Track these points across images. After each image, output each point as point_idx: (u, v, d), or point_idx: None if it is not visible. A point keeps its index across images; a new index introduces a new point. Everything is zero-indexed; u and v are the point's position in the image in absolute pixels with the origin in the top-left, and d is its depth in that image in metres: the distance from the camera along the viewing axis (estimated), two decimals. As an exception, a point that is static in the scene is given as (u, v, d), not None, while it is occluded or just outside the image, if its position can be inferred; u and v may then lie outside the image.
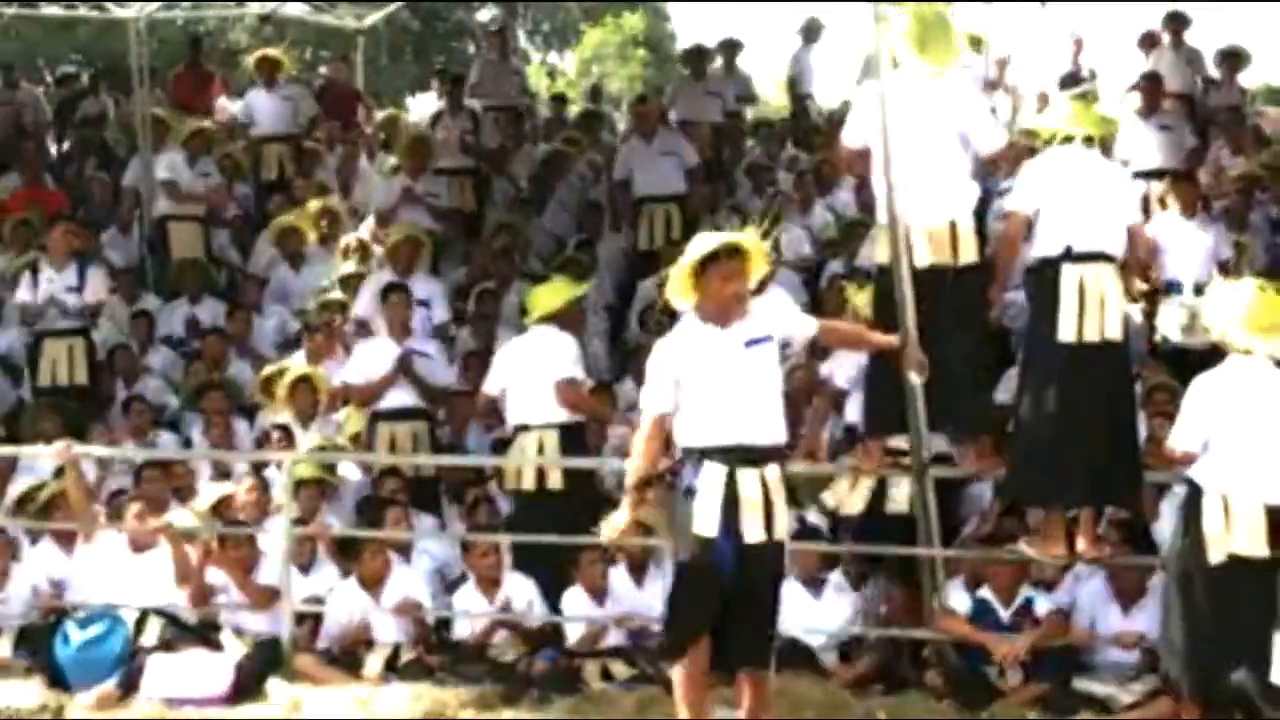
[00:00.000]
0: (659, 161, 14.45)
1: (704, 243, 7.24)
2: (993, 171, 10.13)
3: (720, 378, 7.18)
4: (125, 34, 15.67)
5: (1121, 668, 8.75)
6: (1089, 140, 8.56)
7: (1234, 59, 16.28)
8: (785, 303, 7.88)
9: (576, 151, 15.92)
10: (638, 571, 9.59)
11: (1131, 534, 9.07)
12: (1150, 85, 14.74)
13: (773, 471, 7.23)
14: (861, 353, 8.90)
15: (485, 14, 34.73)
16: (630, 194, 14.50)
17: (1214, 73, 16.33)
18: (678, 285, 7.28)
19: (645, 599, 9.43)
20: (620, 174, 14.65)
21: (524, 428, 9.99)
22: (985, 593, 8.89)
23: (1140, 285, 11.13)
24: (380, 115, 17.59)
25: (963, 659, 8.82)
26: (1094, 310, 8.33)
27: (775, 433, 7.30)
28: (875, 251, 8.90)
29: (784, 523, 7.33)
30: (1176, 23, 16.30)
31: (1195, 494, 7.75)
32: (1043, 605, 8.86)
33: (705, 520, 7.13)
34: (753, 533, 7.14)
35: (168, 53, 20.38)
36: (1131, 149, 14.07)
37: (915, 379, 8.36)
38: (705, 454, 7.16)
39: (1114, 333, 8.34)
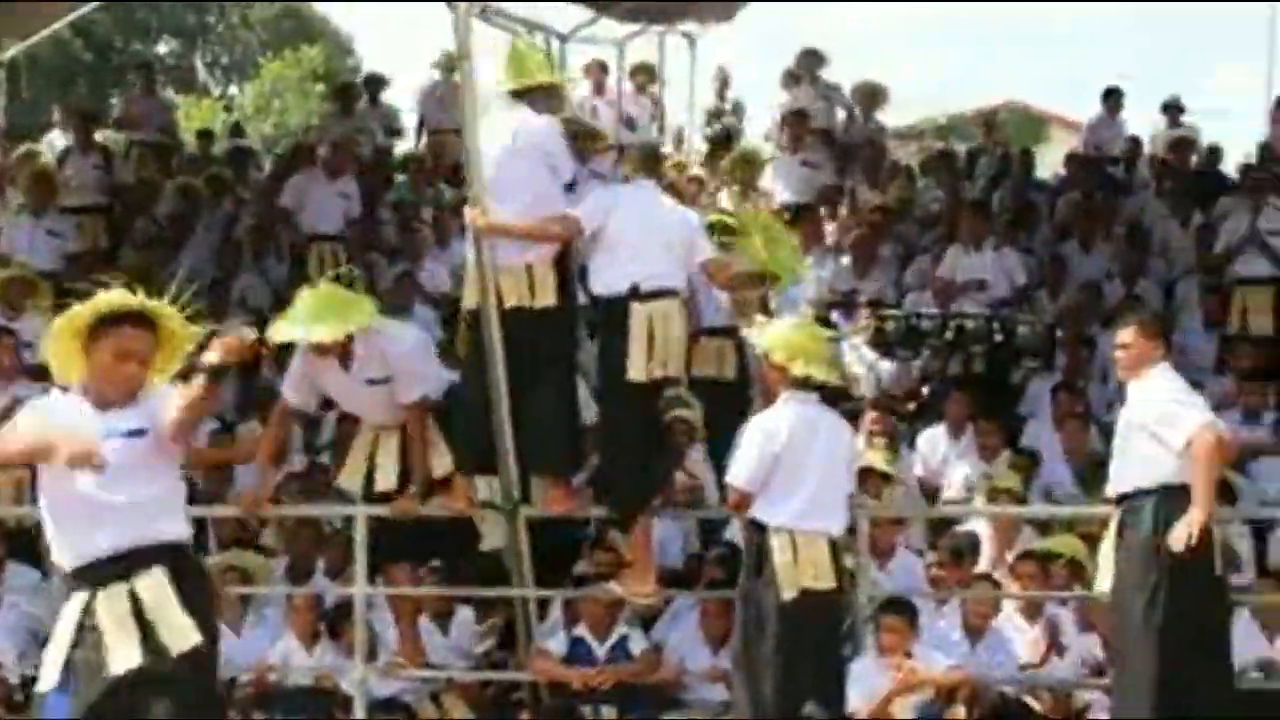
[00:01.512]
0: (333, 202, 14.25)
1: (104, 301, 5.68)
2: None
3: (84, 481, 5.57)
4: None
5: (710, 705, 8.74)
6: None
7: (871, 95, 16.62)
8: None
9: (218, 188, 15.46)
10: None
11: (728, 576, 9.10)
12: (794, 121, 14.94)
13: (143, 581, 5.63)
14: None
15: (164, 45, 34.06)
16: (296, 229, 14.22)
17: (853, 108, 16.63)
18: (57, 351, 5.73)
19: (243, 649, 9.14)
20: (289, 205, 14.37)
21: None
22: (581, 631, 8.79)
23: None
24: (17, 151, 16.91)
25: (559, 699, 8.71)
26: (662, 347, 8.34)
27: (155, 530, 5.69)
28: (465, 294, 8.76)
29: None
30: (813, 60, 16.56)
31: (760, 532, 7.78)
32: (637, 642, 8.80)
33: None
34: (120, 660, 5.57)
35: None
36: (779, 183, 14.29)
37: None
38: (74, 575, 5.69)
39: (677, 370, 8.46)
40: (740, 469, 7.88)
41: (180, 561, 5.73)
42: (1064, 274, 13.61)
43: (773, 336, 8.12)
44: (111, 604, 5.59)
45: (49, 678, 5.61)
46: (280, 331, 8.33)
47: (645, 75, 17.62)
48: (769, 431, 7.86)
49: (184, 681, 5.58)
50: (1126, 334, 7.84)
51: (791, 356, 7.94)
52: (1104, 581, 7.68)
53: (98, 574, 5.62)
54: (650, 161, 8.92)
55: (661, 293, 8.33)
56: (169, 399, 5.72)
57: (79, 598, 5.64)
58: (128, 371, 5.72)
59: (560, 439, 8.56)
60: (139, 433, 5.71)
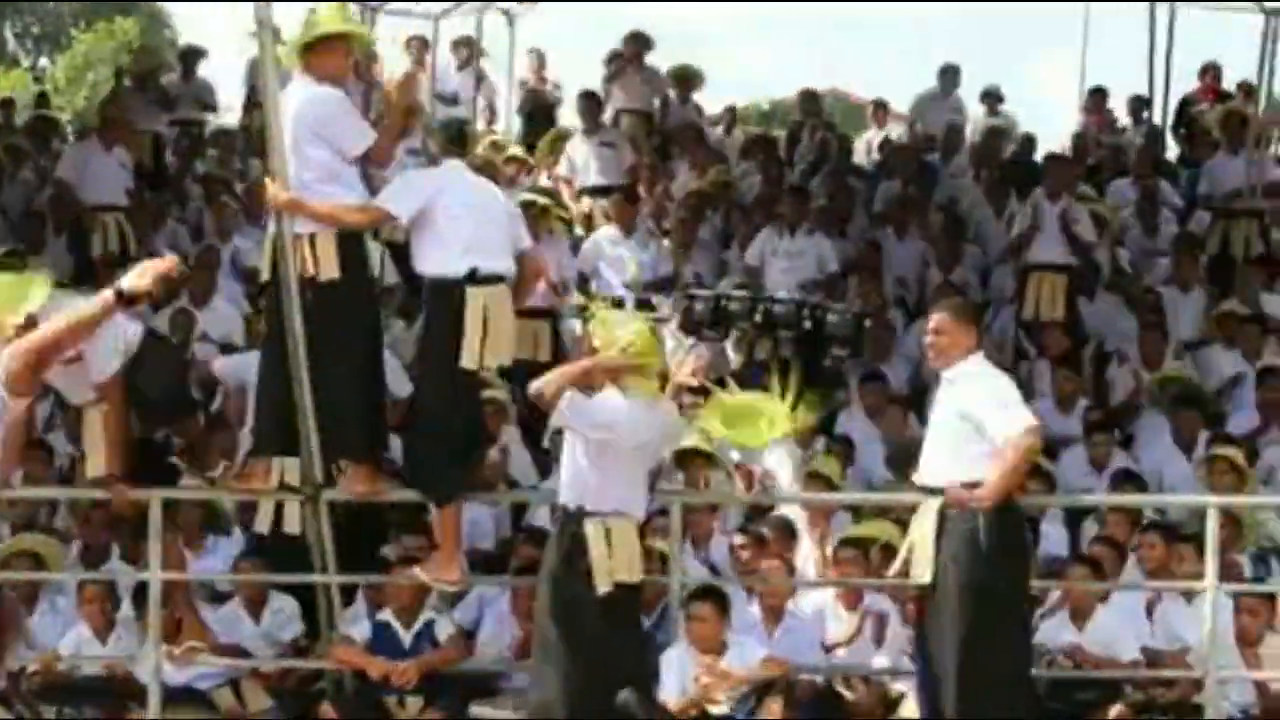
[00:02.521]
0: (115, 171, 13.62)
1: None
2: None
3: None
4: None
5: (522, 692, 8.46)
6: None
7: (687, 80, 16.47)
8: None
9: (18, 158, 14.84)
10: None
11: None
12: (589, 104, 14.72)
13: None
14: None
15: (-33, 15, 32.97)
16: (76, 200, 13.61)
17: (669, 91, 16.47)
18: None
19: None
20: (66, 177, 13.73)
21: None
22: (386, 615, 8.47)
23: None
24: None
25: (362, 688, 8.37)
26: (494, 334, 8.04)
27: None
28: (263, 267, 8.36)
29: None
30: (638, 44, 16.36)
31: (573, 522, 7.52)
32: (444, 628, 8.49)
33: None
34: None
35: None
36: (578, 165, 14.08)
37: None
38: None
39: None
40: None
41: None
42: (879, 260, 13.52)
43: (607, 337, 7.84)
44: None
45: None
46: None
47: (468, 49, 17.24)
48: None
49: None
50: (938, 319, 7.67)
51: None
52: (923, 571, 7.49)
53: None
54: (457, 141, 8.55)
55: (496, 277, 8.02)
56: None
57: None
58: None
59: (357, 420, 8.19)
60: None
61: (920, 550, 7.48)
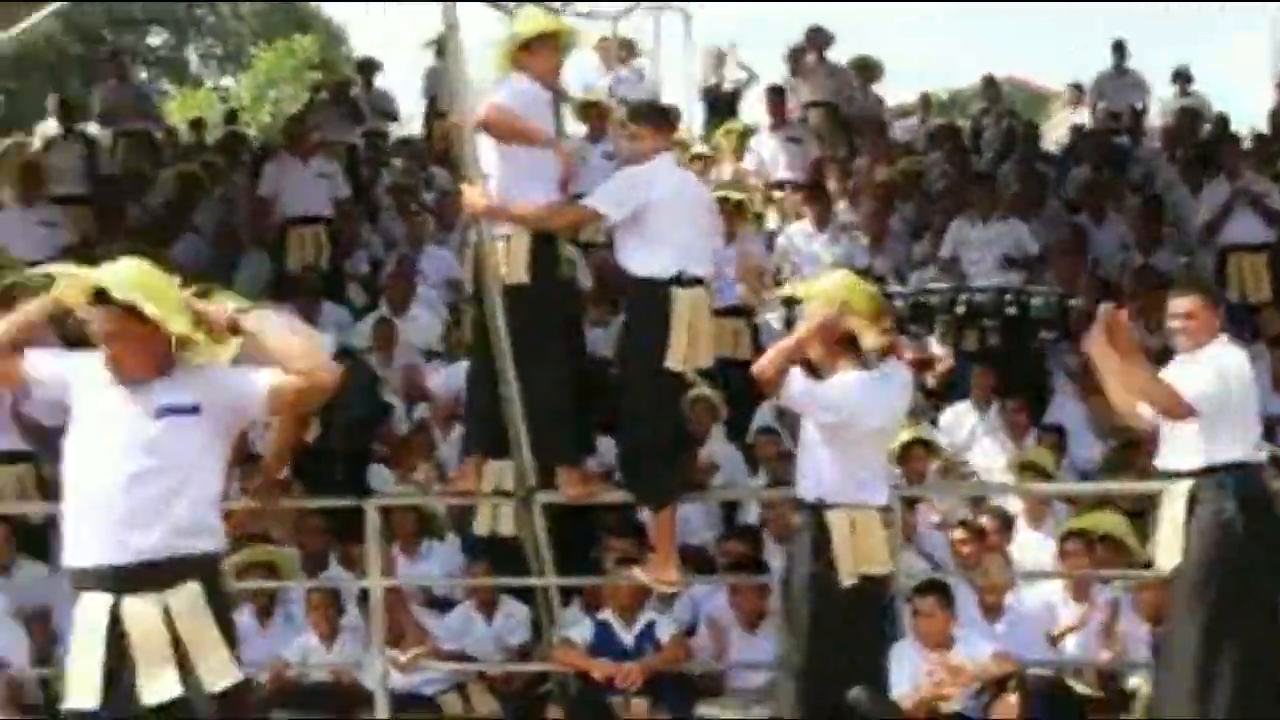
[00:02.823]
0: (314, 184, 13.74)
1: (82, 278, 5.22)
2: None
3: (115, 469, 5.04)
4: None
5: (745, 692, 8.38)
6: None
7: (868, 71, 16.29)
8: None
9: (214, 176, 15.04)
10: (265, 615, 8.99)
11: (752, 553, 8.81)
12: (775, 98, 14.58)
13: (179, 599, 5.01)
14: None
15: (156, 38, 33.61)
16: (277, 214, 13.77)
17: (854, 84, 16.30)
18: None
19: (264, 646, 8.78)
20: (266, 192, 13.87)
21: None
22: (607, 615, 8.41)
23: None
24: (4, 143, 16.50)
25: (586, 690, 8.32)
26: (699, 337, 7.92)
27: (191, 538, 5.06)
28: (465, 273, 8.34)
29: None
30: (819, 38, 16.22)
31: (814, 515, 7.37)
32: (665, 629, 8.42)
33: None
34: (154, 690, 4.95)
35: None
36: (765, 159, 13.96)
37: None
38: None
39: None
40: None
41: (212, 578, 5.09)
42: (1080, 244, 13.22)
43: (813, 288, 7.68)
44: (144, 620, 4.93)
45: (84, 697, 4.92)
46: None
47: (626, 50, 17.20)
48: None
49: None
50: (1188, 303, 7.31)
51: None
52: (1167, 559, 7.21)
53: (118, 577, 4.94)
54: (665, 121, 8.37)
55: (699, 280, 7.90)
56: (245, 377, 5.15)
57: (100, 602, 4.95)
58: (110, 353, 5.09)
59: (561, 423, 8.09)
60: (186, 409, 5.07)
61: (1170, 536, 7.19)
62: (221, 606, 5.09)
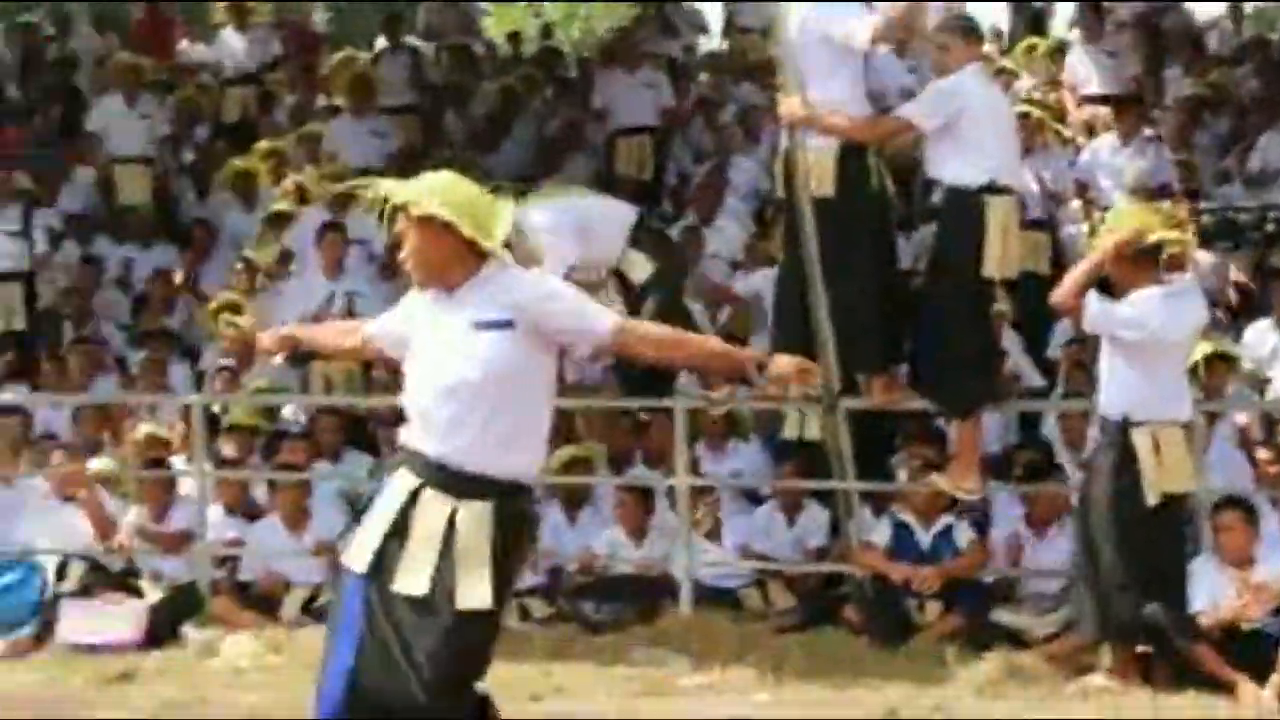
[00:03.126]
0: (640, 94, 14.01)
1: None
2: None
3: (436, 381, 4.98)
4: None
5: (1039, 599, 8.34)
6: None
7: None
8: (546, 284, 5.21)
9: (531, 88, 15.33)
10: (574, 509, 9.21)
11: (1045, 463, 8.78)
12: (1093, 10, 14.16)
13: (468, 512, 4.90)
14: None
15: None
16: (607, 123, 14.05)
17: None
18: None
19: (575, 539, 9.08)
20: (599, 104, 14.20)
21: None
22: (906, 516, 8.44)
23: None
24: (336, 57, 17.03)
25: (882, 593, 8.37)
26: (1011, 246, 7.89)
27: (484, 458, 4.92)
28: (777, 185, 8.40)
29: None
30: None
31: (1119, 433, 7.28)
32: (963, 534, 8.42)
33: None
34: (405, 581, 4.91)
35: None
36: (1080, 74, 13.60)
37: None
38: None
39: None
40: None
41: (511, 503, 4.95)
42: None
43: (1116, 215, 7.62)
44: (428, 516, 4.89)
45: (359, 559, 4.93)
46: None
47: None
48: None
49: (453, 639, 4.83)
50: None
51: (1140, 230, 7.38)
52: None
53: (429, 470, 4.93)
54: (975, 35, 8.30)
55: (1011, 189, 7.86)
56: (579, 308, 5.02)
57: (407, 482, 4.94)
58: (424, 268, 5.02)
59: (869, 332, 8.15)
60: (501, 324, 4.93)
61: None
62: (511, 532, 4.93)
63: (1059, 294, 7.43)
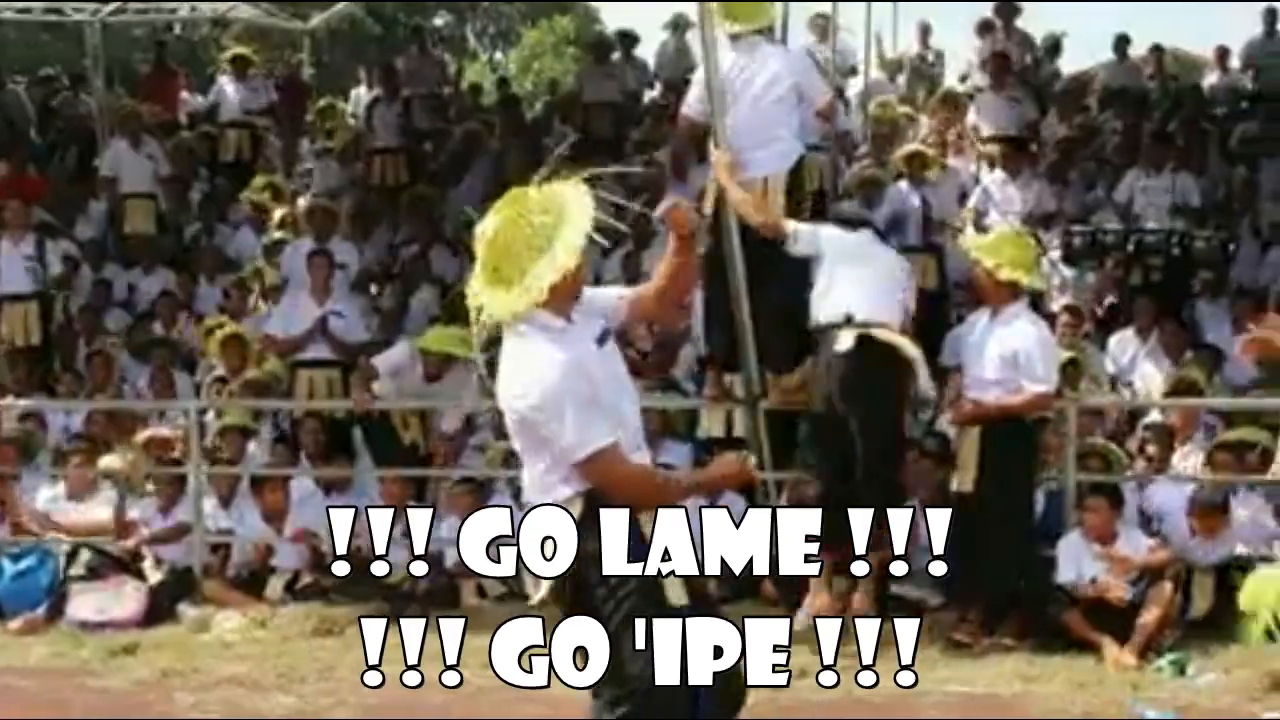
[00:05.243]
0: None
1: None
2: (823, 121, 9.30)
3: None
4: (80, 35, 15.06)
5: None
6: None
7: (1055, 44, 15.99)
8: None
9: (488, 132, 15.25)
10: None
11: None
12: (999, 62, 14.23)
13: None
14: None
15: (440, 19, 34.14)
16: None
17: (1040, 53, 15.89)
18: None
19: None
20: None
21: None
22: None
23: None
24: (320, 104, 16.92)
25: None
26: None
27: None
28: (705, 203, 8.36)
29: None
30: (1010, 10, 15.79)
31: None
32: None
33: None
34: None
35: (121, 51, 19.45)
36: (984, 118, 13.66)
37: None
38: None
39: None
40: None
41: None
42: (1247, 193, 12.73)
43: (982, 244, 7.67)
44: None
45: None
46: None
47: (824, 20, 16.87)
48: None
49: None
50: None
51: (999, 263, 7.44)
52: None
53: None
54: None
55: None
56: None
57: None
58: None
59: (780, 339, 8.17)
60: (608, 335, 4.43)
61: None
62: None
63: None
